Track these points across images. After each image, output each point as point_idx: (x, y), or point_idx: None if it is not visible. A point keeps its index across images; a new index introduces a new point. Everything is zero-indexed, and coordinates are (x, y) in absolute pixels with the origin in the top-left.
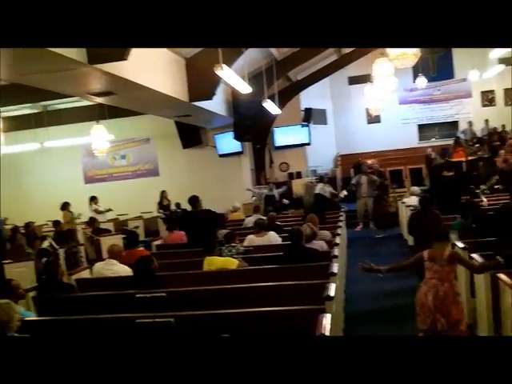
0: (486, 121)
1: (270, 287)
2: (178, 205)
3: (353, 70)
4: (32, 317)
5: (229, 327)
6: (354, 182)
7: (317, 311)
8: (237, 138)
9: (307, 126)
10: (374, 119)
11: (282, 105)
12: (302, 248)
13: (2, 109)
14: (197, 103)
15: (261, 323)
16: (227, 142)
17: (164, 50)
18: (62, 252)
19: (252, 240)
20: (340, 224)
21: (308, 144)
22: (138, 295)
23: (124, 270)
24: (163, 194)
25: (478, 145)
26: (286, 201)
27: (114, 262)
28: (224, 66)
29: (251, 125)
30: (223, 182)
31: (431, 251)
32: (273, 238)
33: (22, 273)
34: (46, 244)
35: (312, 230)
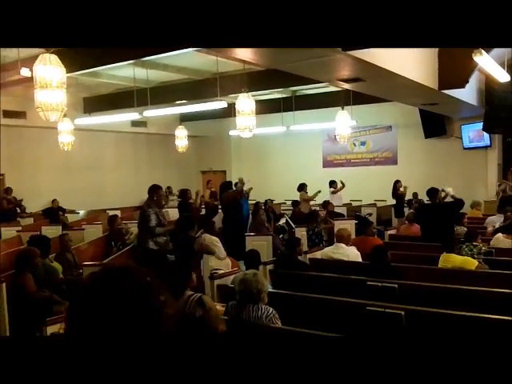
0: None
1: (509, 294)
2: (415, 195)
3: None
4: (269, 289)
5: (460, 330)
6: None
7: None
8: (486, 129)
9: None
10: None
11: None
12: None
13: (256, 93)
14: (447, 91)
15: (493, 332)
16: (474, 134)
17: None
18: (298, 231)
19: (499, 240)
20: None
21: None
22: (369, 283)
23: (354, 254)
24: (397, 185)
25: None
26: None
27: (343, 245)
28: (483, 51)
29: (505, 116)
30: (465, 176)
31: None
32: None
33: (261, 246)
34: (282, 221)
35: None
